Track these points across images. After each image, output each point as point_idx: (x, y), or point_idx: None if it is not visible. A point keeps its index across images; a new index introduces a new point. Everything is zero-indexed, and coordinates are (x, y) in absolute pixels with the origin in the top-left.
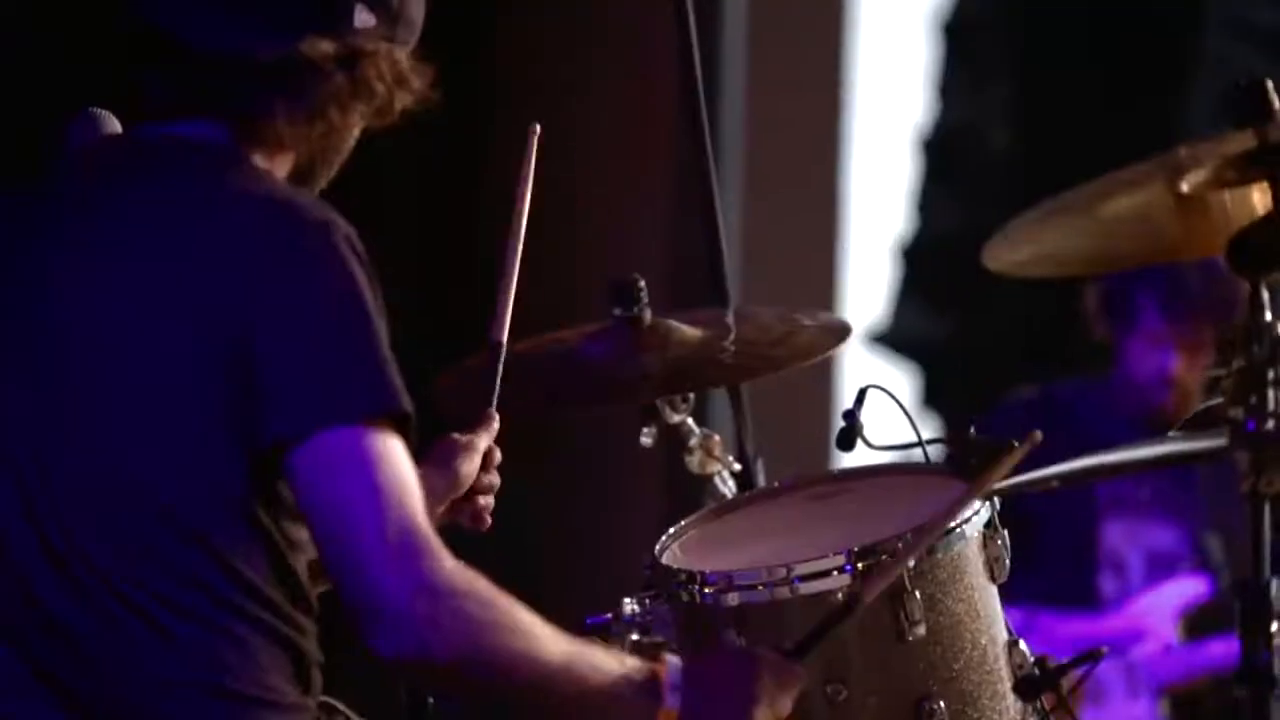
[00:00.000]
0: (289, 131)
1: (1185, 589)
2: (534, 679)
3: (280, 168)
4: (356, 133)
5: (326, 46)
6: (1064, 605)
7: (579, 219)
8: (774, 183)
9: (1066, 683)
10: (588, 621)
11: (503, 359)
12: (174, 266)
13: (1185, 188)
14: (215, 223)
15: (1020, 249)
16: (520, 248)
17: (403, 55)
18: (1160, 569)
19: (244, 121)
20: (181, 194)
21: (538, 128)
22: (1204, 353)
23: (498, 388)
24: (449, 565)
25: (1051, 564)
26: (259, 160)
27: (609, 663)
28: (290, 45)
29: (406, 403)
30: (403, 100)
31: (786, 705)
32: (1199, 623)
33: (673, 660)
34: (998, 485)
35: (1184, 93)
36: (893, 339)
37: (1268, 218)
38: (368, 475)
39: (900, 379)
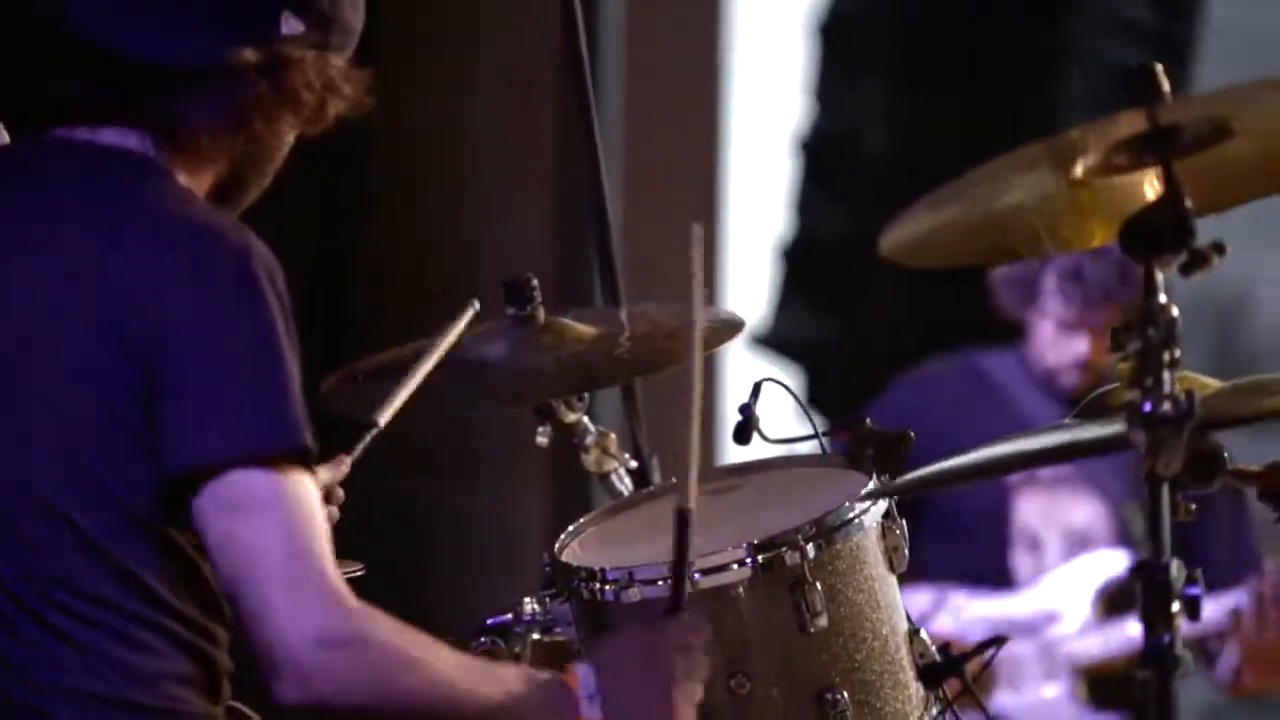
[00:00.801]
0: (211, 141)
1: (1103, 564)
2: (443, 711)
3: (205, 178)
4: (289, 140)
5: (250, 54)
6: (978, 584)
7: (464, 222)
8: (653, 186)
9: (972, 668)
10: (488, 622)
11: (370, 437)
12: (86, 280)
13: (1077, 173)
14: (131, 242)
15: (914, 239)
16: (431, 365)
17: (336, 61)
18: (1079, 546)
19: (165, 131)
20: (99, 207)
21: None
22: None
23: (356, 454)
24: (349, 611)
25: (964, 541)
26: (181, 172)
27: (519, 685)
28: (212, 54)
29: (309, 440)
30: (336, 107)
31: (701, 665)
32: (1119, 599)
33: (582, 668)
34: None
35: (1058, 89)
36: (773, 341)
37: (1161, 200)
38: (270, 520)
39: (783, 380)
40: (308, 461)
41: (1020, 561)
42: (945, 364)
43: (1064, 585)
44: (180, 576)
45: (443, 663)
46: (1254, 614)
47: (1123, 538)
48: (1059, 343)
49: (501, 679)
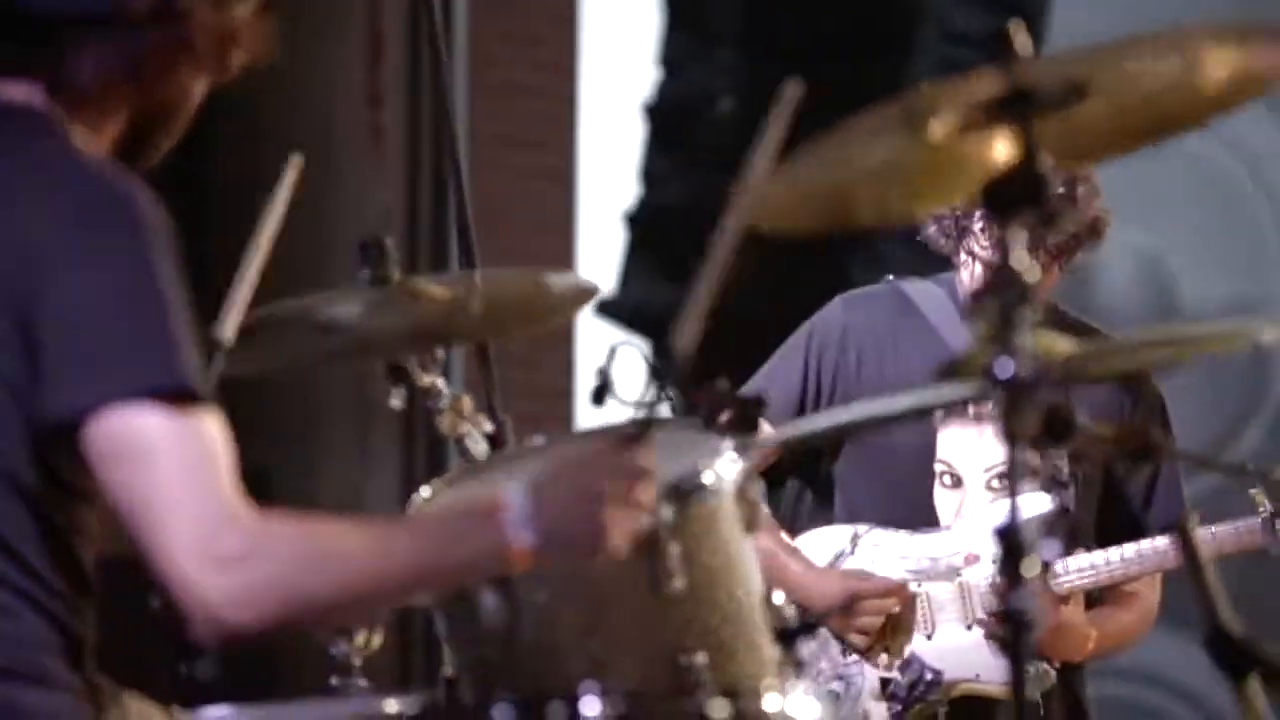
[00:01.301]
0: (105, 94)
1: (1025, 505)
2: (366, 591)
3: (106, 132)
4: (195, 93)
5: (141, 4)
6: (900, 521)
7: (319, 184)
8: (504, 151)
9: (835, 625)
10: None
11: (220, 359)
12: None
13: (933, 135)
14: (11, 189)
15: (768, 204)
16: (260, 267)
17: (237, 10)
18: (1003, 485)
19: (59, 84)
20: None
21: (299, 161)
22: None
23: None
24: (241, 527)
25: (887, 477)
26: (79, 126)
27: (438, 535)
28: (104, 5)
29: (195, 379)
30: (238, 57)
31: (647, 493)
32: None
33: (512, 497)
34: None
35: (907, 57)
36: (621, 309)
37: (1018, 162)
38: (159, 463)
39: (637, 345)
40: (198, 399)
41: (943, 500)
42: (877, 288)
43: (984, 527)
44: (53, 548)
45: (353, 545)
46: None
47: (1047, 479)
48: (981, 279)
49: (418, 536)
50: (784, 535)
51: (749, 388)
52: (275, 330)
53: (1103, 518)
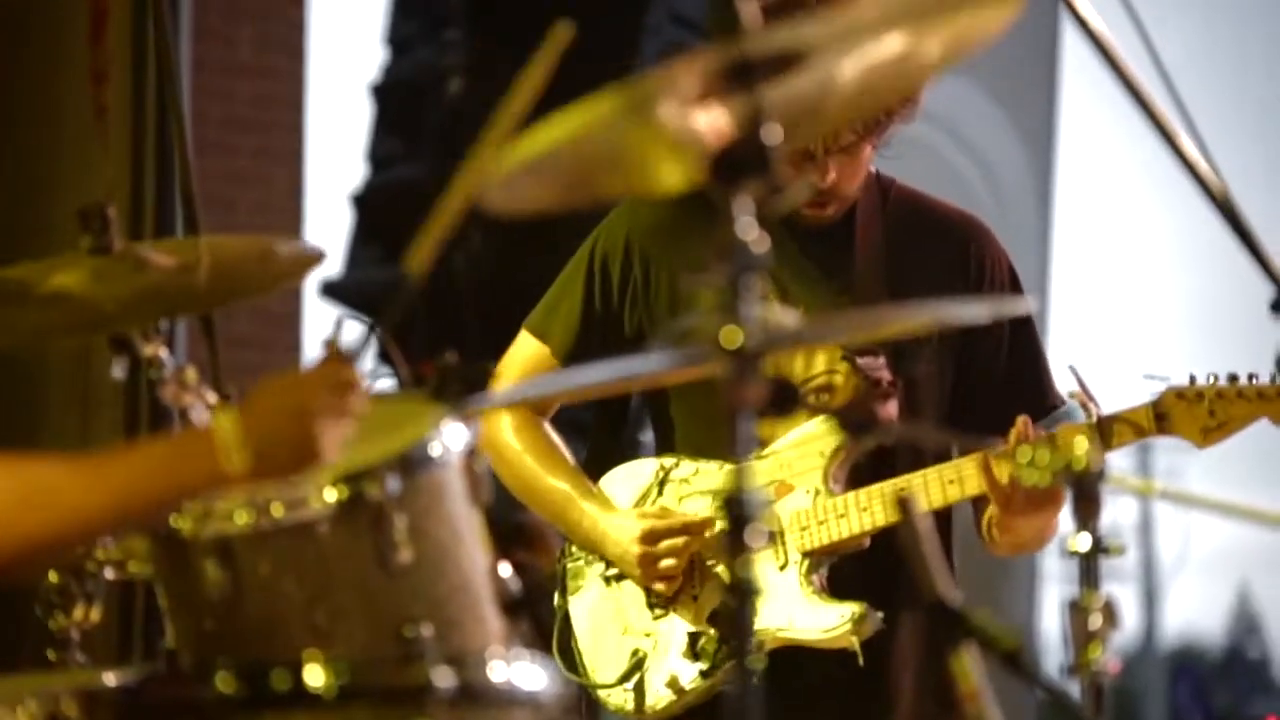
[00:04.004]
0: None
1: (827, 430)
2: (82, 525)
3: None
4: None
5: None
6: (713, 452)
7: (41, 155)
8: (229, 135)
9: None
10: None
11: None
12: None
13: (661, 116)
14: None
15: (508, 191)
16: None
17: None
18: (820, 400)
19: None
20: None
21: None
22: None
23: None
24: None
25: (696, 403)
26: None
27: (150, 465)
28: None
29: None
30: None
31: (357, 403)
32: (853, 469)
33: (221, 422)
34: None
35: (637, 39)
36: (348, 290)
37: (745, 133)
38: None
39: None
40: None
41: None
42: None
43: (802, 450)
44: None
45: (67, 481)
46: None
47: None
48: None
49: (130, 469)
50: (584, 478)
51: (538, 309)
52: None
53: (959, 417)
